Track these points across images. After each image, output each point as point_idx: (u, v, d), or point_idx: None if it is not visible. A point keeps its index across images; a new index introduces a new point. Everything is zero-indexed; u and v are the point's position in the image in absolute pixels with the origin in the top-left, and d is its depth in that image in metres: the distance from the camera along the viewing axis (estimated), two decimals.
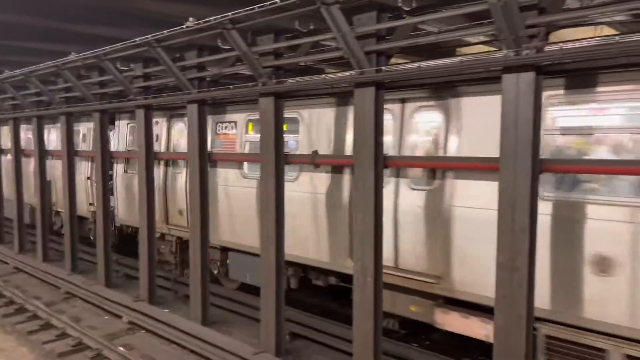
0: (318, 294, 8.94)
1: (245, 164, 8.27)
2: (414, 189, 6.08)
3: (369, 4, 5.22)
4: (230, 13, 5.75)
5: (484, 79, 5.24)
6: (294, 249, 7.14)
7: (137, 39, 7.08)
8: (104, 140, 9.91)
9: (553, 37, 4.58)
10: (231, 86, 7.24)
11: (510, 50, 4.33)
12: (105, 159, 9.96)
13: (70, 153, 10.90)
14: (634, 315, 4.57)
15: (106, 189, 10.01)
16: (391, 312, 6.41)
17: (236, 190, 8.37)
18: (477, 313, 5.60)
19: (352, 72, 5.51)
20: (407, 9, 5.08)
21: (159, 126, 9.87)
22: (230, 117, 8.59)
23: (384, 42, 5.38)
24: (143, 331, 8.11)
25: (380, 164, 5.57)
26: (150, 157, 8.95)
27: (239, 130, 8.39)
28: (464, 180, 5.56)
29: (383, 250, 5.65)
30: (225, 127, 8.69)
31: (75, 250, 10.98)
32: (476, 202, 5.40)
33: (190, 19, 6.14)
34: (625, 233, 4.55)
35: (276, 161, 6.56)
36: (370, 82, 5.40)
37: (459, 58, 4.95)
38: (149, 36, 6.90)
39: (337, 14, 5.11)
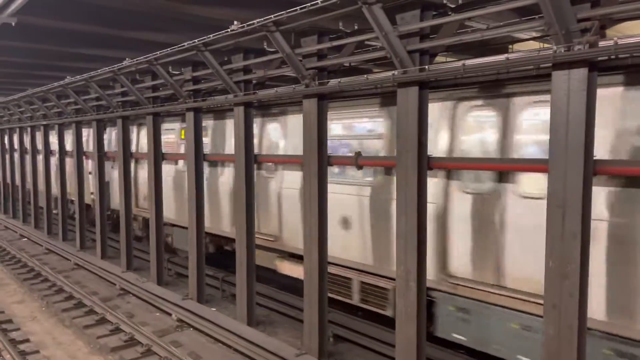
0: None
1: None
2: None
3: (413, 2, 5.11)
4: (273, 15, 5.79)
5: (535, 76, 5.00)
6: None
7: (186, 44, 7.26)
8: (156, 141, 10.25)
9: (611, 32, 4.32)
10: (276, 88, 7.27)
11: (561, 46, 4.09)
12: (158, 160, 10.29)
13: (126, 154, 11.34)
14: (365, 255, 6.75)
15: (159, 190, 10.34)
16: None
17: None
18: (298, 261, 7.63)
19: (395, 72, 5.40)
20: (453, 5, 4.93)
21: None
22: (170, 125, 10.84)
23: (427, 40, 5.25)
24: (191, 329, 8.30)
25: (424, 165, 5.43)
26: (200, 158, 9.16)
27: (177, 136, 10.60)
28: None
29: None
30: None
31: (130, 248, 11.40)
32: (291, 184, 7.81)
33: (235, 22, 6.23)
34: (354, 202, 6.73)
35: (319, 162, 6.53)
36: (413, 81, 5.27)
37: (506, 55, 4.72)
38: (196, 40, 7.06)
39: (379, 13, 5.03)
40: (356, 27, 6.18)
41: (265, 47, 7.02)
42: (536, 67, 4.76)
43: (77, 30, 7.26)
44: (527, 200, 5.19)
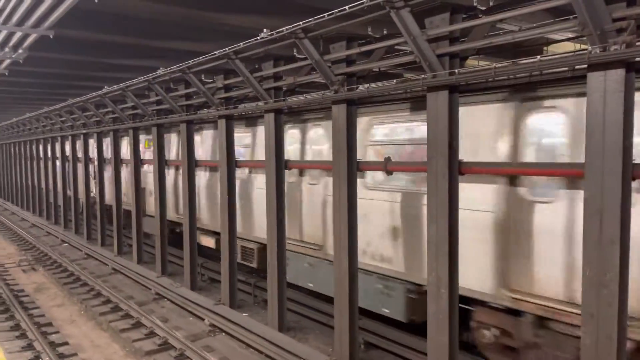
0: None
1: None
2: None
3: (442, 6, 5.04)
4: (301, 22, 5.83)
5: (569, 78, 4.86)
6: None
7: (217, 52, 7.38)
8: (190, 149, 10.44)
9: None
10: (305, 95, 7.30)
11: (596, 46, 3.96)
12: (191, 167, 10.47)
13: (161, 161, 11.59)
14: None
15: (193, 196, 10.52)
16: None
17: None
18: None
19: (424, 76, 5.34)
20: (484, 8, 4.84)
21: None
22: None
23: (457, 43, 5.16)
24: (223, 334, 8.37)
25: (455, 170, 5.33)
26: (232, 164, 9.27)
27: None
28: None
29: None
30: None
31: (165, 254, 11.62)
32: None
33: (265, 30, 6.30)
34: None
35: (348, 168, 6.51)
36: (443, 85, 5.20)
37: (538, 57, 4.60)
38: (227, 49, 7.17)
39: (407, 18, 4.98)
40: (385, 32, 6.17)
41: (294, 54, 7.08)
42: (571, 69, 4.62)
43: (113, 42, 7.50)
44: None
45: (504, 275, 5.63)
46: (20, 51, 6.75)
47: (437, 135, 5.33)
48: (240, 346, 7.87)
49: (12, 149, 26.25)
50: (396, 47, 6.44)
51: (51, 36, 5.91)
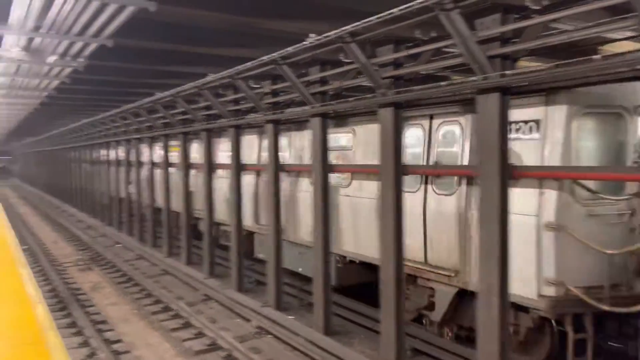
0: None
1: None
2: None
3: (493, 6, 4.94)
4: (349, 26, 5.85)
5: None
6: None
7: (265, 58, 7.50)
8: (238, 152, 10.63)
9: None
10: (351, 98, 7.31)
11: None
12: (238, 171, 10.67)
13: (210, 165, 11.87)
14: None
15: (239, 200, 10.70)
16: None
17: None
18: None
19: (475, 78, 5.25)
20: (537, 7, 4.72)
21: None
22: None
23: (509, 45, 5.04)
24: (269, 336, 8.46)
25: (506, 174, 5.20)
26: (278, 168, 9.38)
27: None
28: None
29: None
30: None
31: (212, 256, 11.87)
32: None
33: (312, 35, 6.37)
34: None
35: (395, 172, 6.46)
36: (494, 87, 5.08)
37: (598, 57, 4.43)
38: (275, 54, 7.28)
39: (456, 19, 4.92)
40: (433, 35, 6.10)
41: (341, 58, 7.11)
42: (631, 69, 4.43)
43: (166, 49, 7.77)
44: None
45: None
46: (80, 60, 7.10)
47: (488, 138, 5.22)
48: (287, 348, 7.93)
49: (70, 154, 27.53)
50: (444, 49, 6.35)
51: (110, 45, 6.19)
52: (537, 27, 5.00)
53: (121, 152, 18.61)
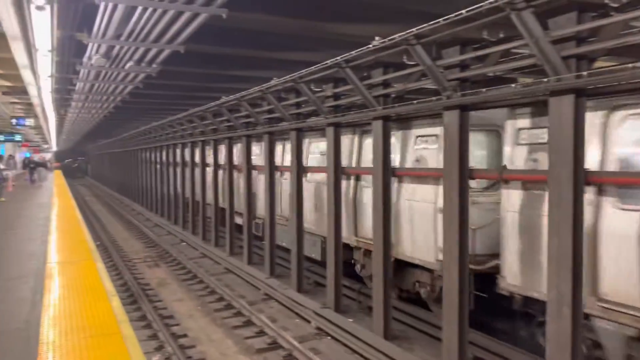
0: (507, 317, 8.33)
1: None
2: None
3: (568, 5, 4.74)
4: (414, 29, 5.80)
5: None
6: None
7: (329, 61, 7.57)
8: (299, 155, 10.78)
9: None
10: (414, 101, 7.23)
11: None
12: (300, 173, 10.80)
13: (271, 167, 12.10)
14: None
15: (301, 201, 10.84)
16: None
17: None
18: None
19: (547, 80, 5.05)
20: (616, 5, 4.48)
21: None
22: None
23: (585, 44, 4.82)
24: (329, 338, 8.51)
25: (581, 180, 4.97)
26: (339, 171, 9.43)
27: None
28: None
29: None
30: None
31: (273, 256, 12.08)
32: None
33: (376, 38, 6.36)
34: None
35: (460, 176, 6.33)
36: (569, 89, 4.87)
37: None
38: (338, 58, 7.33)
39: (529, 19, 4.76)
40: (502, 36, 5.93)
41: (404, 60, 7.05)
42: None
43: (234, 54, 8.02)
44: None
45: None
46: (154, 65, 7.46)
47: (561, 142, 5.01)
48: (346, 351, 7.95)
49: (139, 155, 28.91)
50: (512, 50, 6.16)
51: (182, 51, 6.46)
52: (617, 25, 4.75)
53: (187, 154, 19.34)
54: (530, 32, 4.79)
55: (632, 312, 5.10)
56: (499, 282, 6.63)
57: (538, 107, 6.05)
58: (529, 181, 6.21)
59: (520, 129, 6.46)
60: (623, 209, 5.22)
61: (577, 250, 5.00)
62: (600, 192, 5.38)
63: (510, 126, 6.63)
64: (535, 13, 4.71)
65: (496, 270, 6.77)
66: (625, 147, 5.38)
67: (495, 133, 7.85)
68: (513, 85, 5.80)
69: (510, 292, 6.48)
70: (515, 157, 6.50)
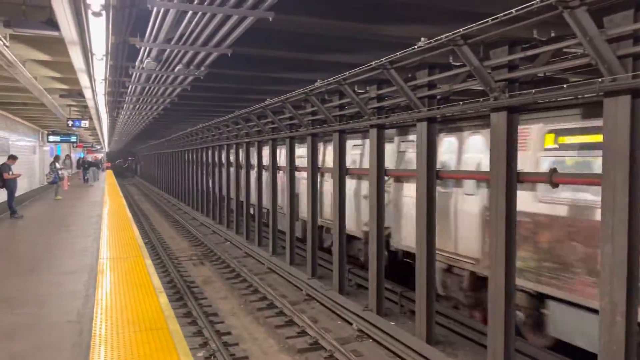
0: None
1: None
2: None
3: (624, 2, 4.56)
4: (461, 29, 5.71)
5: None
6: None
7: (373, 63, 7.55)
8: (341, 157, 10.79)
9: None
10: (461, 102, 7.11)
11: None
12: (342, 175, 10.81)
13: (314, 169, 12.17)
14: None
15: (343, 203, 10.85)
16: None
17: None
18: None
19: (601, 80, 4.86)
20: None
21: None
22: None
23: None
24: (370, 340, 8.47)
25: (637, 183, 4.75)
26: (381, 172, 9.38)
27: None
28: None
29: None
30: None
31: (315, 257, 12.13)
32: None
33: (422, 38, 6.30)
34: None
35: (507, 179, 6.18)
36: (625, 89, 4.67)
37: None
38: (383, 59, 7.30)
39: (582, 17, 4.60)
40: (553, 35, 5.75)
41: (450, 61, 6.95)
42: None
43: (279, 57, 8.10)
44: None
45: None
46: (202, 68, 7.65)
47: (616, 145, 4.81)
48: (388, 354, 7.89)
49: (186, 156, 29.68)
50: (564, 49, 5.97)
51: (229, 54, 6.60)
52: None
53: (231, 155, 19.70)
54: (584, 31, 4.63)
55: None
56: (390, 242, 10.27)
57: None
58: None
59: (400, 142, 10.48)
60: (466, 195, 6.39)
61: (633, 257, 4.79)
62: None
63: (397, 140, 10.51)
64: (590, 11, 4.55)
65: (389, 235, 10.09)
66: None
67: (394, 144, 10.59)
68: (564, 85, 5.59)
69: (395, 248, 10.35)
70: (398, 160, 10.45)
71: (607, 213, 4.93)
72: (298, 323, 9.34)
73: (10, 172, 14.39)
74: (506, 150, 6.20)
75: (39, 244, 10.66)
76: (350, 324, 9.17)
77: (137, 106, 13.83)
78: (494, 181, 6.40)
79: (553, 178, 6.08)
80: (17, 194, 15.03)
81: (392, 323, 8.76)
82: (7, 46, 6.76)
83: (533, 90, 5.91)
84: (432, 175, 7.93)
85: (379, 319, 8.89)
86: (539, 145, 7.25)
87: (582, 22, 4.59)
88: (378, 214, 9.34)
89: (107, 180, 35.95)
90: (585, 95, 5.57)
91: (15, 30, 6.32)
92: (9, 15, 6.22)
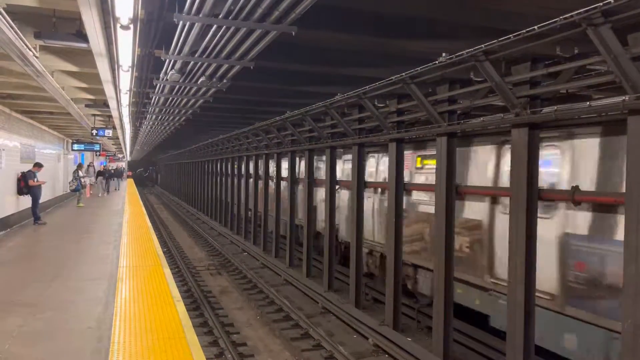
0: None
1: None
2: None
3: None
4: (483, 45, 5.72)
5: None
6: None
7: (394, 77, 7.58)
8: (360, 170, 10.80)
9: None
10: (482, 118, 7.09)
11: None
12: (360, 188, 10.82)
13: (332, 181, 12.19)
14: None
15: (360, 216, 10.83)
16: None
17: None
18: None
19: (626, 98, 4.81)
20: None
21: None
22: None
23: None
24: (386, 355, 8.40)
25: None
26: (400, 187, 9.36)
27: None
28: None
29: None
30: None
31: (332, 270, 12.10)
32: None
33: (443, 54, 6.31)
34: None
35: (528, 196, 6.12)
36: None
37: None
38: (403, 74, 7.33)
39: (607, 35, 4.57)
40: (576, 51, 5.72)
41: (471, 76, 6.94)
42: None
43: (298, 70, 8.21)
44: None
45: None
46: (224, 81, 7.78)
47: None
48: None
49: (205, 167, 29.99)
50: (587, 66, 5.92)
51: (251, 67, 6.71)
52: None
53: (251, 166, 19.85)
54: (609, 49, 4.60)
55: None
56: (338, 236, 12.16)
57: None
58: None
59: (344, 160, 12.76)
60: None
61: None
62: None
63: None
64: (614, 29, 4.52)
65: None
66: None
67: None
68: (588, 103, 5.54)
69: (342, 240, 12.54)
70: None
71: (631, 233, 4.84)
72: (314, 336, 9.31)
73: (36, 180, 14.72)
74: (527, 166, 6.15)
75: (62, 250, 10.85)
76: (367, 338, 9.10)
77: (160, 117, 14.08)
78: (514, 197, 6.34)
79: (575, 196, 6.00)
80: (41, 200, 15.34)
81: (408, 339, 8.67)
82: (36, 57, 6.96)
83: (555, 107, 5.87)
84: (452, 190, 7.89)
85: (395, 334, 8.81)
86: (414, 165, 10.10)
87: (607, 40, 4.56)
88: (396, 229, 9.29)
89: (128, 189, 36.47)
90: (610, 113, 5.49)
91: (45, 41, 6.52)
92: (39, 27, 6.43)
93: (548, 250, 6.76)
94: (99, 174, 28.89)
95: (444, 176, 7.86)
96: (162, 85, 8.95)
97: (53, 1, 5.77)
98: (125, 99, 10.10)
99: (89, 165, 29.76)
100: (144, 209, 21.52)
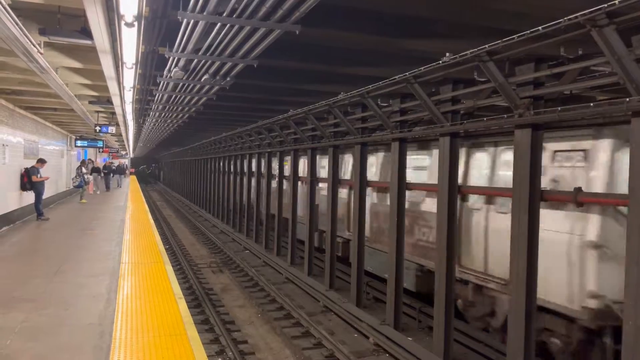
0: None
1: None
2: None
3: None
4: (487, 45, 5.71)
5: None
6: None
7: (397, 77, 7.58)
8: (362, 169, 10.81)
9: None
10: (485, 118, 7.08)
11: None
12: (363, 187, 10.82)
13: (335, 180, 12.20)
14: None
15: (362, 215, 10.84)
16: None
17: None
18: None
19: (629, 99, 4.80)
20: None
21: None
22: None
23: None
24: (387, 355, 8.40)
25: None
26: (402, 186, 9.35)
27: None
28: None
29: None
30: None
31: (333, 269, 12.11)
32: None
33: (447, 54, 6.31)
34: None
35: (530, 197, 6.11)
36: None
37: None
38: (407, 73, 7.33)
39: (611, 36, 4.56)
40: (580, 53, 5.71)
41: (475, 77, 6.94)
42: None
43: (302, 69, 8.21)
44: None
45: None
46: (228, 79, 7.79)
47: None
48: None
49: (208, 164, 30.02)
50: (592, 68, 5.91)
51: (255, 65, 6.72)
52: None
53: (253, 164, 19.85)
54: (613, 50, 4.59)
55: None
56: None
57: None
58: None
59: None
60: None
61: None
62: None
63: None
64: (618, 30, 4.51)
65: None
66: None
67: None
68: (591, 104, 5.53)
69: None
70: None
71: (635, 234, 4.83)
72: (314, 335, 9.32)
73: (39, 175, 14.76)
74: (529, 167, 6.14)
75: (64, 246, 10.89)
76: (367, 337, 9.11)
77: (163, 114, 14.10)
78: (516, 198, 6.34)
79: (578, 197, 6.00)
80: (44, 196, 15.39)
81: (409, 338, 8.68)
82: (41, 53, 6.99)
83: (559, 108, 5.86)
84: (454, 190, 7.89)
85: (396, 333, 8.81)
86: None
87: (611, 41, 4.55)
88: (398, 229, 9.29)
89: (131, 186, 36.55)
90: (613, 115, 5.49)
91: (50, 38, 6.55)
92: (44, 23, 6.45)
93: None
94: (94, 170, 27.95)
95: (447, 176, 7.85)
96: (165, 83, 8.97)
97: None
98: (128, 96, 10.13)
99: (88, 161, 29.69)
100: (146, 205, 21.58)
